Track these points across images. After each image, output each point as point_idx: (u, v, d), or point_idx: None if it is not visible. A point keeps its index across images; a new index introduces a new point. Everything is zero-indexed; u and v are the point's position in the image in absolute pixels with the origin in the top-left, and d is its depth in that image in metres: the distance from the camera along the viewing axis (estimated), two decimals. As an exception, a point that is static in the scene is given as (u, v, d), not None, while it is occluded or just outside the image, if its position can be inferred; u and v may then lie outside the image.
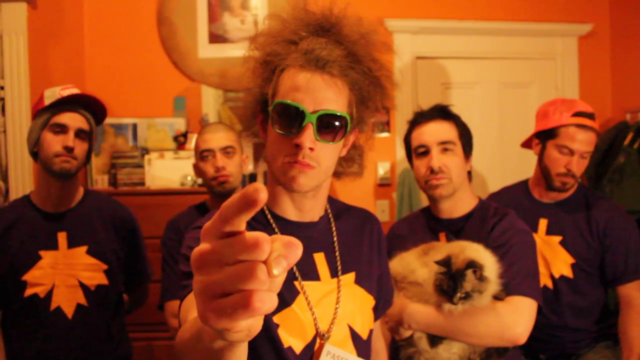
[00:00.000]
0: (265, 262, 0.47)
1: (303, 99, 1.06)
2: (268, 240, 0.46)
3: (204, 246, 0.49)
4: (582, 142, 2.02)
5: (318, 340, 1.13)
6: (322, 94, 1.07)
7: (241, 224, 0.48)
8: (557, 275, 2.07)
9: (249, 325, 0.50)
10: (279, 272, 0.47)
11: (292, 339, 1.11)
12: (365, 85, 1.14)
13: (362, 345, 1.21)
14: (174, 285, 1.84)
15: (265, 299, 0.46)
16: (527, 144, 2.29)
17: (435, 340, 1.56)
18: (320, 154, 1.09)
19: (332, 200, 1.29)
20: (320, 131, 1.07)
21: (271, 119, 1.10)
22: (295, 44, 1.11)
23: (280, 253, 0.48)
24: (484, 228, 1.70)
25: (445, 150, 1.73)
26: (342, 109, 1.09)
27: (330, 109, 1.07)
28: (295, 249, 0.49)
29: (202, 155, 2.11)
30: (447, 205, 1.78)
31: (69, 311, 1.91)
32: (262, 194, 0.46)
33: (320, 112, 1.06)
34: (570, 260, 2.07)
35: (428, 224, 1.84)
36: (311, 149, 1.06)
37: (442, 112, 1.78)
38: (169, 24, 3.24)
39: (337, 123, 1.08)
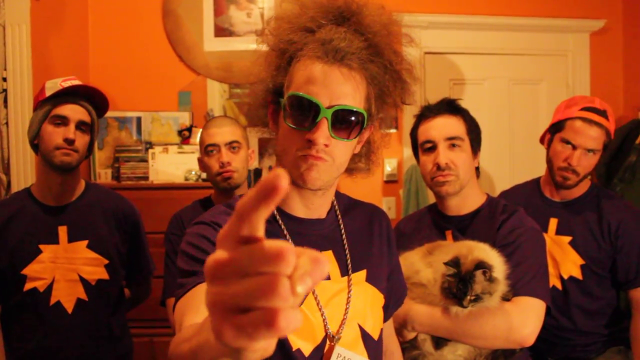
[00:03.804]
0: (289, 277, 0.42)
1: (319, 92, 1.00)
2: (293, 252, 0.42)
3: (220, 254, 0.44)
4: (587, 136, 1.96)
5: (328, 342, 1.09)
6: (339, 88, 1.01)
7: (260, 222, 0.44)
8: (566, 276, 2.03)
9: (267, 345, 0.46)
10: (303, 291, 0.42)
11: (301, 341, 1.06)
12: (385, 80, 1.08)
13: (373, 345, 1.16)
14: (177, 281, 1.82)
15: (291, 318, 0.41)
16: (543, 139, 2.24)
17: (439, 342, 1.52)
18: (335, 150, 1.03)
19: (338, 195, 1.24)
20: (335, 127, 1.01)
21: (283, 112, 1.05)
22: (312, 32, 1.05)
23: (306, 270, 0.43)
24: (492, 225, 1.66)
25: (452, 146, 1.68)
26: (359, 105, 1.03)
27: (346, 105, 1.01)
28: (322, 266, 0.44)
29: (207, 150, 2.08)
30: (455, 202, 1.74)
31: (68, 306, 1.89)
32: (284, 181, 0.41)
33: (336, 107, 1.00)
34: (579, 261, 2.02)
35: (434, 221, 1.80)
36: (325, 145, 1.01)
37: (450, 107, 1.73)
38: (174, 16, 3.21)
39: (353, 119, 1.02)
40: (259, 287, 0.41)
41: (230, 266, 0.43)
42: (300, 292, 0.42)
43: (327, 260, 0.44)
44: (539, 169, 2.25)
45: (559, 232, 2.06)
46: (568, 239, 2.04)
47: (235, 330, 0.43)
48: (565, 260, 2.03)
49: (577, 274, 2.02)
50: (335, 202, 1.21)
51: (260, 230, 0.44)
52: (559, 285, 2.03)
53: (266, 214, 0.43)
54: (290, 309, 0.42)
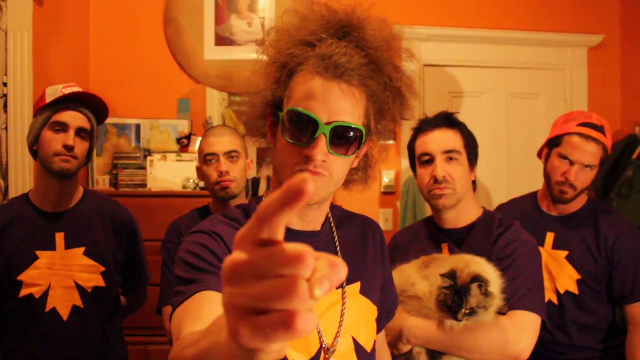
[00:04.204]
0: (307, 280, 0.42)
1: (318, 108, 0.99)
2: (313, 255, 0.42)
3: (238, 255, 0.44)
4: (584, 152, 1.97)
5: (322, 354, 1.09)
6: (338, 104, 1.00)
7: (280, 226, 0.44)
8: (562, 291, 2.03)
9: (281, 348, 0.46)
10: (321, 294, 0.43)
11: (296, 354, 1.06)
12: (384, 96, 1.08)
13: (366, 358, 1.16)
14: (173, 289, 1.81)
15: (309, 321, 0.42)
16: (540, 154, 2.25)
17: (435, 355, 1.52)
18: (333, 166, 1.03)
19: (333, 207, 1.24)
20: (334, 143, 1.00)
21: (282, 126, 1.03)
22: (313, 46, 1.04)
23: (324, 273, 0.43)
24: (488, 239, 1.67)
25: (450, 159, 1.69)
26: (358, 121, 1.02)
27: (345, 121, 1.00)
28: (339, 270, 0.44)
29: (206, 159, 2.08)
30: (451, 216, 1.74)
31: (64, 313, 1.89)
32: (310, 185, 0.42)
33: (334, 123, 0.99)
34: (576, 276, 2.02)
35: (430, 234, 1.81)
36: (323, 161, 1.00)
37: (447, 120, 1.74)
38: (175, 24, 3.22)
39: (351, 135, 1.02)
40: (278, 289, 0.42)
41: (249, 267, 0.44)
42: (318, 295, 0.42)
43: (345, 265, 0.44)
44: (537, 183, 2.26)
45: (555, 246, 2.06)
46: (565, 253, 2.04)
47: (252, 331, 0.43)
48: (561, 275, 2.04)
49: (574, 288, 2.02)
50: (330, 215, 1.20)
51: (281, 234, 0.44)
52: (555, 300, 2.04)
53: (288, 218, 0.44)
54: (307, 311, 0.42)
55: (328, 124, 0.99)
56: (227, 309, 0.45)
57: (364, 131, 1.03)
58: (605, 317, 2.07)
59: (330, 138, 1.00)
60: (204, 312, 0.86)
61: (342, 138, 1.01)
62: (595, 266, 2.02)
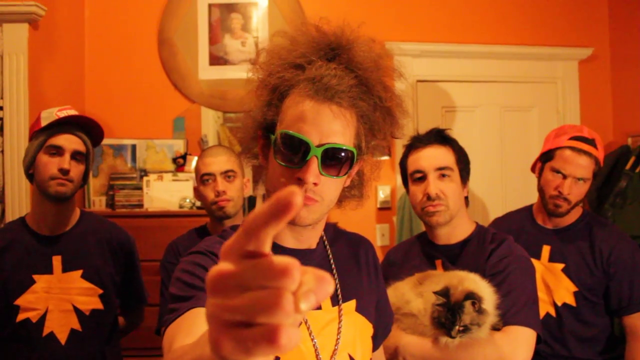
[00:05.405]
0: (293, 293, 0.41)
1: (309, 130, 1.00)
2: (299, 268, 0.41)
3: (224, 266, 0.43)
4: (576, 165, 1.99)
5: None
6: (329, 126, 1.01)
7: (267, 239, 0.43)
8: (559, 303, 2.04)
9: None
10: (307, 308, 0.41)
11: None
12: (375, 116, 1.08)
13: None
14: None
15: (292, 336, 0.41)
16: (534, 168, 2.27)
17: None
18: (324, 188, 1.03)
19: (326, 226, 1.24)
20: (325, 164, 1.01)
21: (274, 149, 1.04)
22: (302, 68, 1.05)
23: (310, 287, 0.42)
24: (481, 254, 1.67)
25: (442, 176, 1.70)
26: (349, 142, 1.04)
27: (336, 143, 1.01)
28: (326, 285, 0.43)
29: (202, 179, 2.09)
30: (444, 232, 1.75)
31: (62, 337, 1.88)
32: (298, 198, 0.41)
33: (326, 145, 1.00)
34: (572, 288, 2.03)
35: (424, 251, 1.81)
36: (315, 183, 1.01)
37: (439, 137, 1.75)
38: (169, 45, 3.25)
39: (342, 156, 1.02)
40: (262, 300, 0.41)
41: (234, 278, 0.43)
42: (304, 309, 0.41)
43: (332, 279, 0.43)
44: (532, 196, 2.27)
45: (551, 259, 2.07)
46: (561, 266, 2.05)
47: (234, 343, 0.42)
48: (558, 287, 2.04)
49: (571, 300, 2.03)
50: (323, 232, 1.21)
51: (268, 247, 0.44)
52: (552, 312, 2.04)
53: (276, 231, 0.43)
54: (291, 326, 0.41)
55: (319, 146, 1.00)
56: (210, 320, 0.44)
57: (355, 152, 1.05)
58: (603, 329, 2.07)
59: (322, 160, 1.01)
60: (195, 328, 0.86)
61: (334, 159, 1.02)
62: (592, 278, 2.03)
